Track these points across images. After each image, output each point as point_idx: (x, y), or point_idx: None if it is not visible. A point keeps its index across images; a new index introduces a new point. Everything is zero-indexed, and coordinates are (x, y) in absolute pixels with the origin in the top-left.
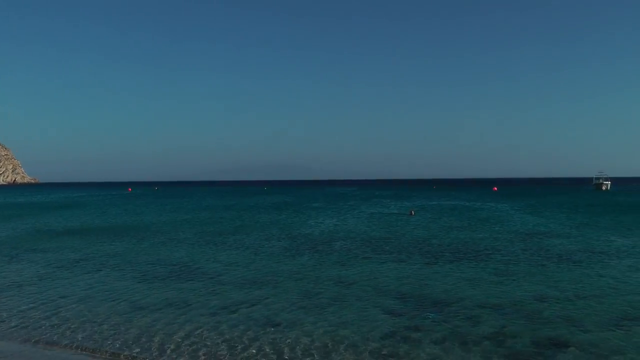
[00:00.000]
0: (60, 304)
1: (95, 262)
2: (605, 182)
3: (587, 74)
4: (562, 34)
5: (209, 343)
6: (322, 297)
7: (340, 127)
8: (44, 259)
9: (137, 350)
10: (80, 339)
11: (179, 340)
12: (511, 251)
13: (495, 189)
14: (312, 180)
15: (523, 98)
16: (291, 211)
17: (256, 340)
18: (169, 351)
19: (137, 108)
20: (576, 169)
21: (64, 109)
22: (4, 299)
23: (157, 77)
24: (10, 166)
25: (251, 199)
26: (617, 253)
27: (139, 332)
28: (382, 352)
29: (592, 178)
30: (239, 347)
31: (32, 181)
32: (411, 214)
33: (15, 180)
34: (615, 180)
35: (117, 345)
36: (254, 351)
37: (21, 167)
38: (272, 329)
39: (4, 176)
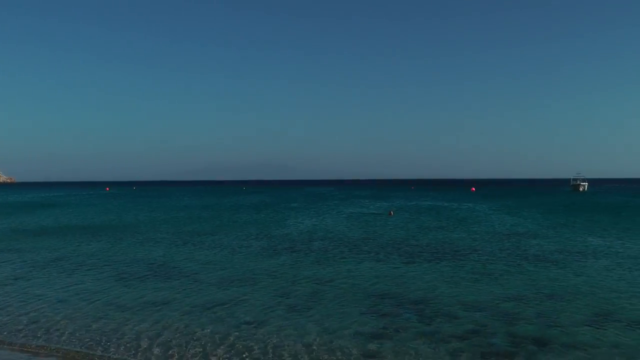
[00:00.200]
0: (35, 304)
1: (72, 262)
2: (582, 184)
3: (565, 75)
4: (542, 36)
5: (186, 342)
6: (299, 296)
7: (316, 127)
8: (19, 259)
9: (113, 350)
10: (55, 339)
11: (156, 339)
12: (489, 251)
13: (474, 189)
14: (291, 180)
15: (500, 100)
16: (270, 211)
17: (233, 339)
18: (146, 351)
19: (115, 107)
20: (554, 170)
21: (40, 108)
22: None
23: (133, 76)
24: None
25: (230, 198)
26: (593, 253)
27: (116, 332)
28: (360, 351)
29: (570, 179)
30: (216, 346)
31: (9, 180)
32: (390, 214)
33: None
34: (592, 182)
35: (93, 346)
36: (230, 350)
37: None
38: (250, 328)
39: None
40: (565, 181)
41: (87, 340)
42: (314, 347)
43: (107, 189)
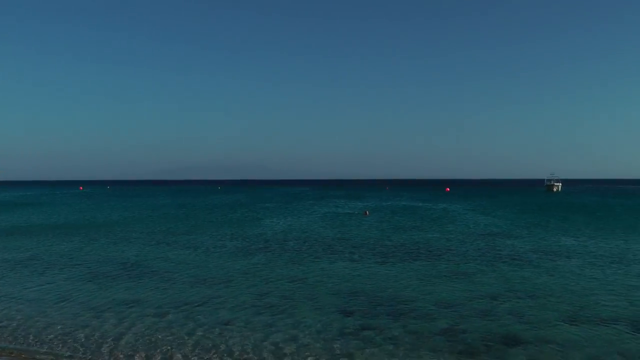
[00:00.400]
0: (3, 304)
1: (44, 261)
2: (556, 184)
3: (541, 77)
4: (521, 36)
5: (156, 342)
6: (273, 296)
7: (292, 127)
8: None
9: (82, 350)
10: (21, 340)
11: (127, 339)
12: (463, 251)
13: (448, 189)
14: (266, 180)
15: (472, 100)
16: (245, 210)
17: (205, 339)
18: (115, 351)
19: (89, 106)
20: (529, 171)
21: (10, 106)
22: None
23: (108, 75)
24: None
25: (205, 198)
26: (566, 252)
27: (85, 333)
28: (334, 351)
29: (544, 180)
30: (188, 345)
31: None
32: (365, 214)
33: None
34: (566, 182)
35: (60, 347)
36: (201, 349)
37: None
38: (222, 327)
39: None
40: (540, 182)
41: (54, 340)
42: (287, 346)
43: (81, 188)
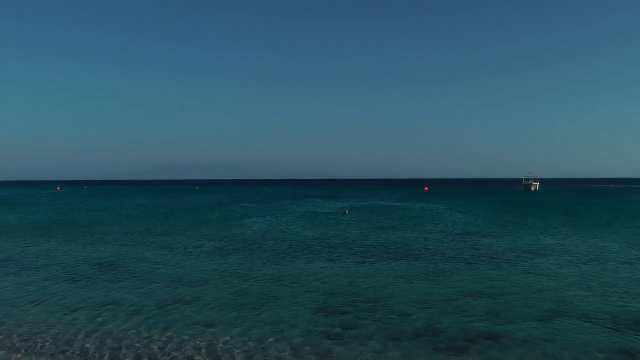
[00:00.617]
0: None
1: (19, 262)
2: (534, 183)
3: (519, 78)
4: (503, 36)
5: (133, 343)
6: (252, 296)
7: (270, 126)
8: None
9: (57, 353)
10: None
11: (103, 341)
12: (441, 250)
13: (426, 189)
14: (244, 180)
15: (451, 101)
16: (224, 211)
17: (183, 339)
18: (94, 353)
19: (66, 106)
20: (507, 170)
21: None
22: None
23: (85, 74)
24: None
25: (183, 198)
26: (544, 251)
27: (60, 334)
28: (312, 350)
29: (522, 179)
30: (165, 345)
31: None
32: (345, 213)
33: None
34: (546, 182)
35: (34, 349)
36: (179, 350)
37: None
38: (200, 328)
39: None
40: (518, 181)
41: (35, 343)
42: (264, 347)
43: (58, 188)
